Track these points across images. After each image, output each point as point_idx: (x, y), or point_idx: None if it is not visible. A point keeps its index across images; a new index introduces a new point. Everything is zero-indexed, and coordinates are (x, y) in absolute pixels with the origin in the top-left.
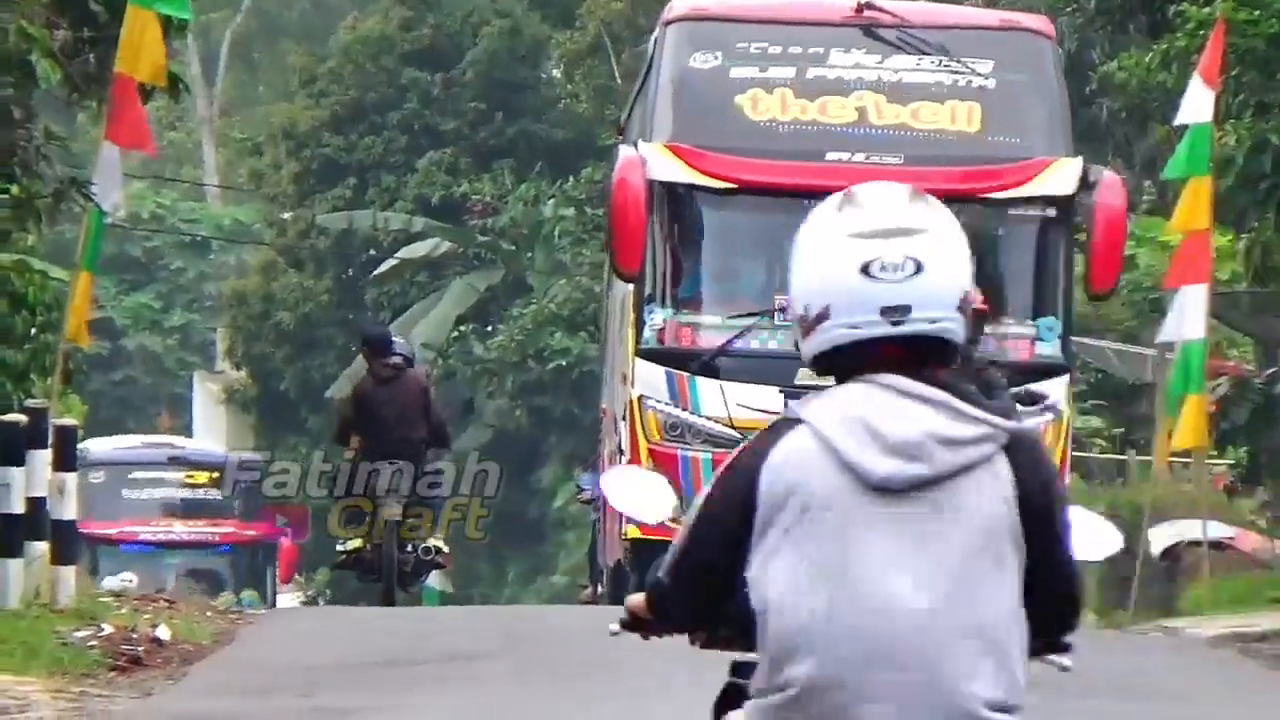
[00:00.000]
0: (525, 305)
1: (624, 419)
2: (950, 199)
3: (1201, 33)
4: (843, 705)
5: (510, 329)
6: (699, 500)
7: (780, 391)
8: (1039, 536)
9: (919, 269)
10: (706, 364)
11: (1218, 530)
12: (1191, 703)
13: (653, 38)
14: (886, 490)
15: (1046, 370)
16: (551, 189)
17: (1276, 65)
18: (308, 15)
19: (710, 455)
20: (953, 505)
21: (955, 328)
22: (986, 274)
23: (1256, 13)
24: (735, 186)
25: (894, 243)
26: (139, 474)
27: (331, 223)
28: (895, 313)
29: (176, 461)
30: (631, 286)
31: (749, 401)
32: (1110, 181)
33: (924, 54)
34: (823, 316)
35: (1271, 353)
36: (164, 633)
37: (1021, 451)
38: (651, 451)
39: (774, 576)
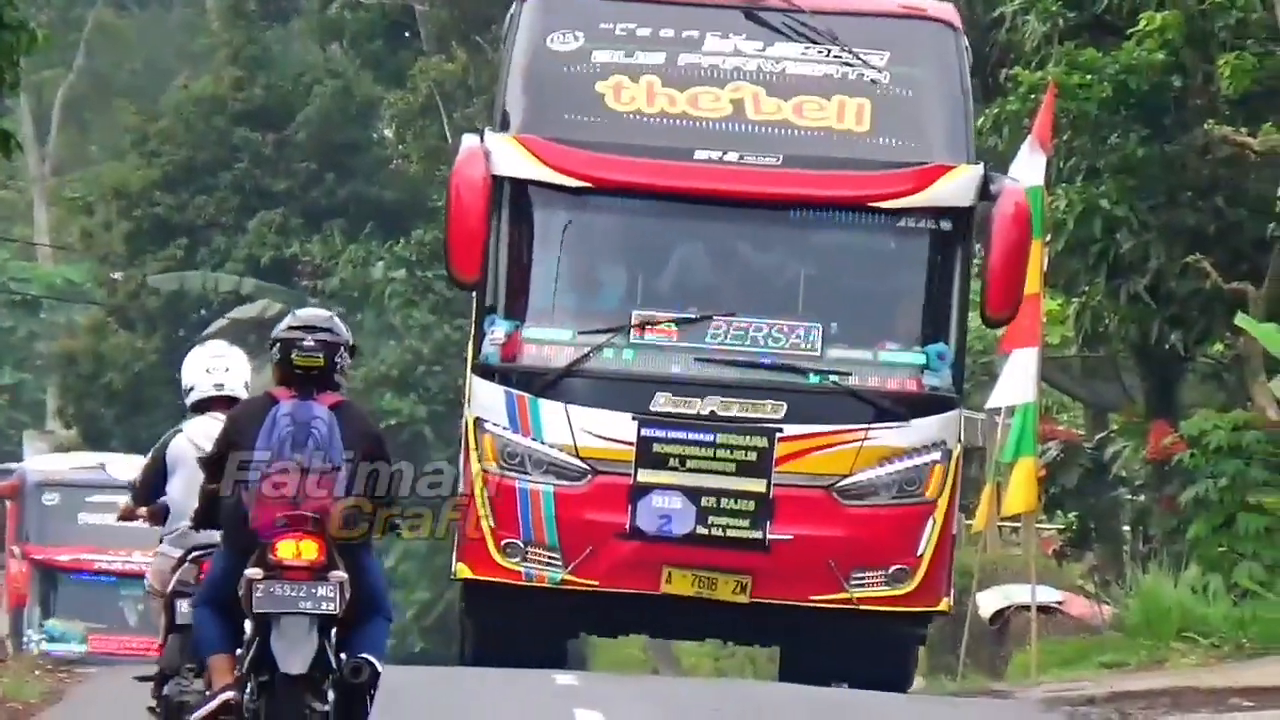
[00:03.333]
0: (355, 367)
1: (462, 442)
2: (832, 207)
3: (1033, 97)
4: (199, 535)
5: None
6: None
7: (634, 418)
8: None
9: (228, 370)
10: (551, 385)
11: (1046, 595)
12: None
13: (509, 14)
14: None
15: (934, 404)
16: (382, 250)
17: (1108, 130)
18: (139, 75)
19: (553, 488)
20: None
21: (243, 391)
22: (871, 293)
23: (1089, 77)
24: (590, 185)
25: (218, 359)
26: (97, 498)
27: (162, 283)
28: (219, 387)
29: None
30: (474, 295)
31: (598, 429)
32: (1013, 192)
33: (811, 42)
34: (192, 389)
35: (1101, 417)
36: None
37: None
38: (487, 480)
39: (174, 486)
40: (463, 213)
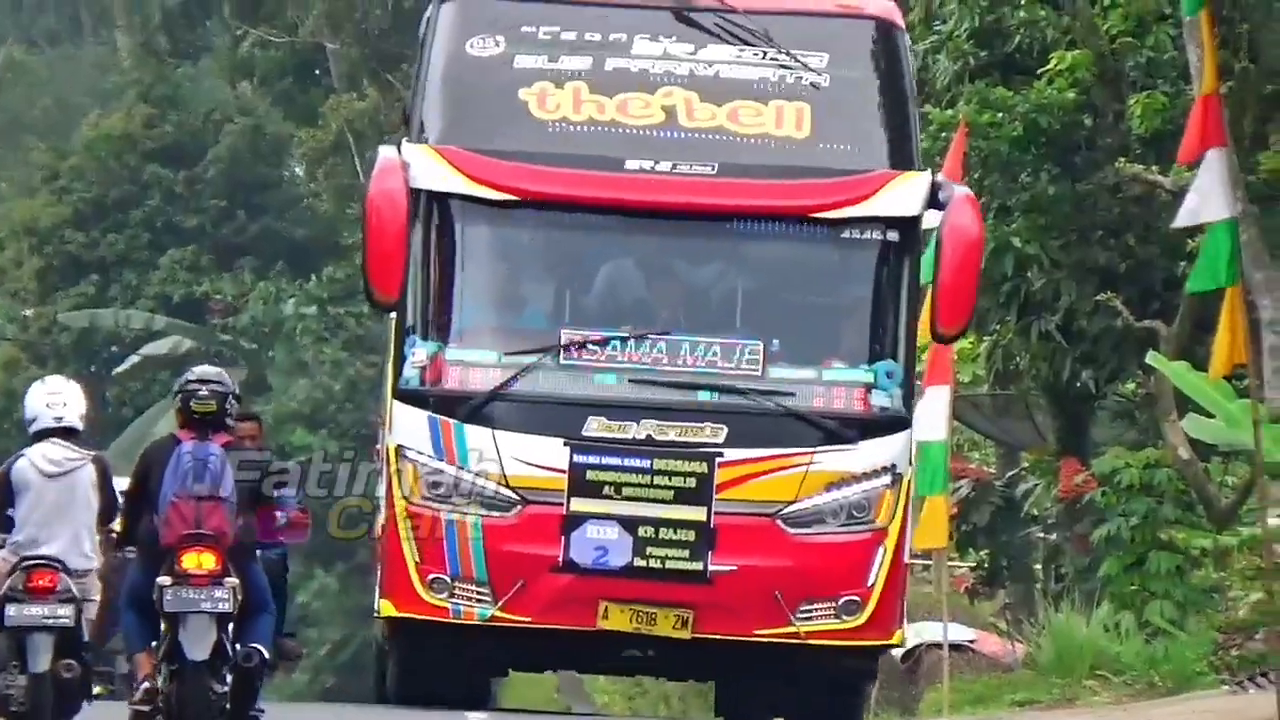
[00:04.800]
0: (266, 403)
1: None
2: (772, 218)
3: (944, 135)
4: (33, 546)
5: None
6: None
7: (566, 444)
8: (108, 491)
9: (66, 404)
10: (477, 409)
11: (959, 632)
12: None
13: (425, 17)
14: (50, 477)
15: (883, 425)
16: (292, 287)
17: (1019, 168)
18: (51, 112)
19: (481, 519)
20: (72, 482)
21: (79, 423)
22: (814, 309)
23: (1000, 115)
24: (515, 198)
25: (57, 395)
26: None
27: (73, 320)
28: (59, 420)
29: None
30: (393, 316)
31: (528, 455)
32: (962, 200)
33: (745, 44)
34: (35, 419)
35: (1013, 455)
36: None
37: (98, 463)
38: (410, 512)
39: (19, 504)
40: (380, 229)
